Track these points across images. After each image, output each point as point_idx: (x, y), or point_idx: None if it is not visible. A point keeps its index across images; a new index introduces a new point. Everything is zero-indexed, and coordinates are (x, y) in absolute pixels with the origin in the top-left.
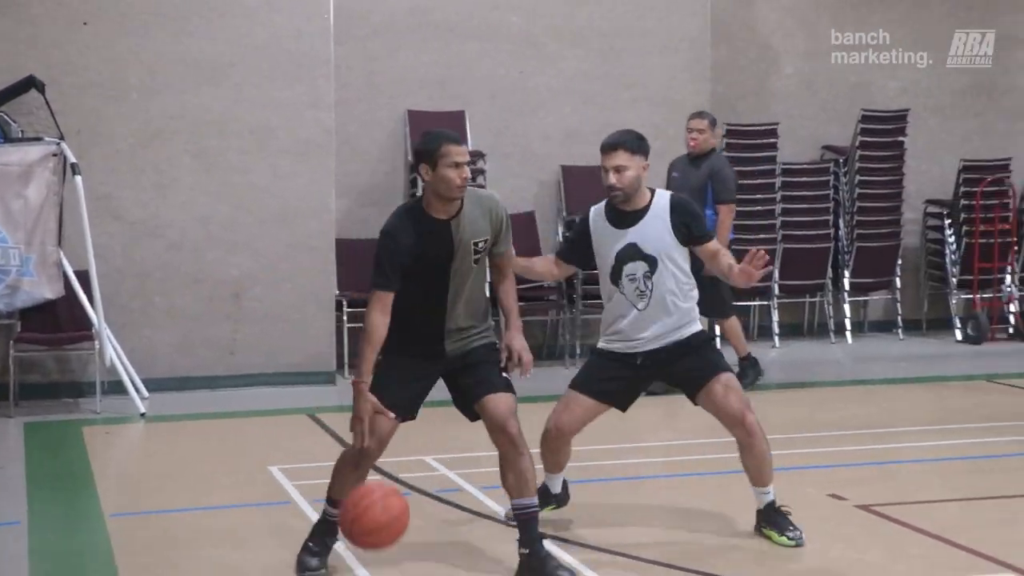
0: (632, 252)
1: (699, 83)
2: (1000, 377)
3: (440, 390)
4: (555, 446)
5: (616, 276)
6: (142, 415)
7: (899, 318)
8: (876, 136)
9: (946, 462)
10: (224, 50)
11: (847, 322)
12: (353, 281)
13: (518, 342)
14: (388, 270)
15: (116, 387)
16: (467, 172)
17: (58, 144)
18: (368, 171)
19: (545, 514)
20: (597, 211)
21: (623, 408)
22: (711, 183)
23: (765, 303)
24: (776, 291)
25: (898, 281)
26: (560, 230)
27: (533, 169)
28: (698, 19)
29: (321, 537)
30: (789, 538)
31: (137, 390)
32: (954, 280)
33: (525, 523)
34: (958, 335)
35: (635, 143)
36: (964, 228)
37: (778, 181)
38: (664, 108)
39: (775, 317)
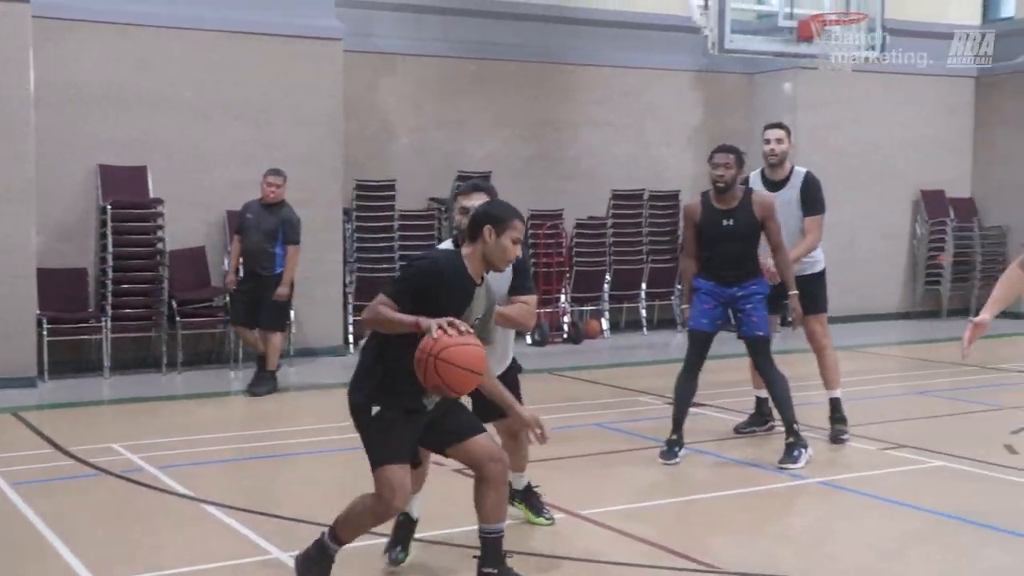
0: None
1: (335, 148)
2: (558, 370)
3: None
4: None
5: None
6: None
7: None
8: None
9: None
10: None
11: None
12: (51, 303)
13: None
14: (409, 289)
15: None
16: (520, 249)
17: None
18: (64, 213)
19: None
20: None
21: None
22: (283, 228)
23: None
24: None
25: None
26: (226, 261)
27: (204, 213)
28: (334, 99)
29: (319, 560)
30: (546, 519)
31: None
32: None
33: (495, 544)
34: (528, 339)
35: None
36: (532, 260)
37: (396, 224)
38: (307, 167)
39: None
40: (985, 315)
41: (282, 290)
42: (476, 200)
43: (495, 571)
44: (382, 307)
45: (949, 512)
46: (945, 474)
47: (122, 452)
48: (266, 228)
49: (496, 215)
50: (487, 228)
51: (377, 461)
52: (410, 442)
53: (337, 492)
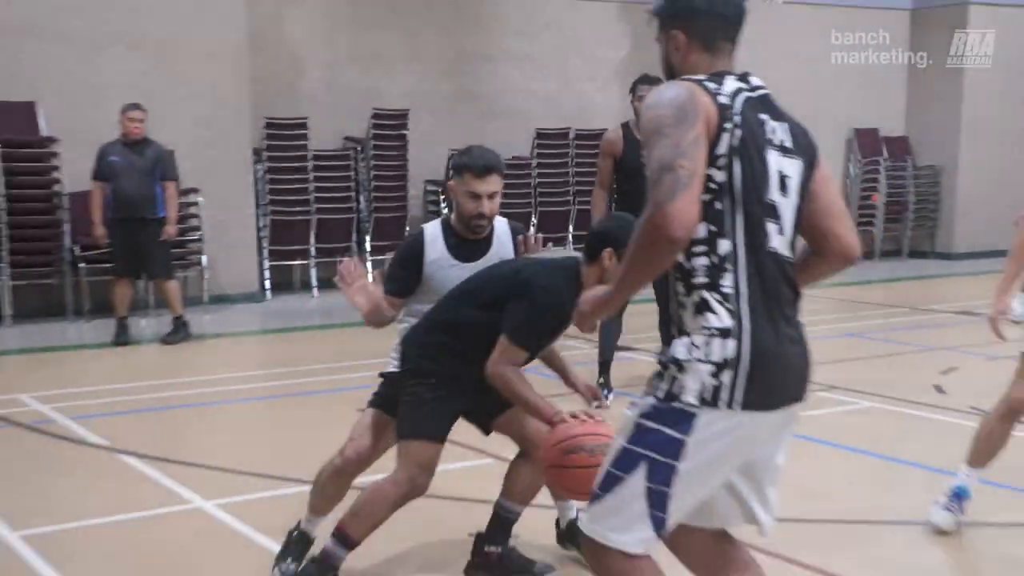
0: None
1: (241, 84)
2: None
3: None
4: None
5: None
6: None
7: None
8: (385, 130)
9: None
10: None
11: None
12: None
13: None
14: (537, 341)
15: None
16: None
17: None
18: None
19: None
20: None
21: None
22: (160, 165)
23: (305, 263)
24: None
25: None
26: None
27: None
28: (239, 32)
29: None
30: None
31: None
32: None
33: (509, 525)
34: None
35: (503, 166)
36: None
37: (310, 165)
38: (212, 104)
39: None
40: (1003, 301)
41: (172, 229)
42: (491, 185)
43: (499, 549)
44: (512, 373)
45: (876, 452)
46: (875, 415)
47: (30, 403)
48: (142, 168)
49: (621, 237)
50: (607, 252)
51: (408, 432)
52: (450, 419)
53: (259, 440)
